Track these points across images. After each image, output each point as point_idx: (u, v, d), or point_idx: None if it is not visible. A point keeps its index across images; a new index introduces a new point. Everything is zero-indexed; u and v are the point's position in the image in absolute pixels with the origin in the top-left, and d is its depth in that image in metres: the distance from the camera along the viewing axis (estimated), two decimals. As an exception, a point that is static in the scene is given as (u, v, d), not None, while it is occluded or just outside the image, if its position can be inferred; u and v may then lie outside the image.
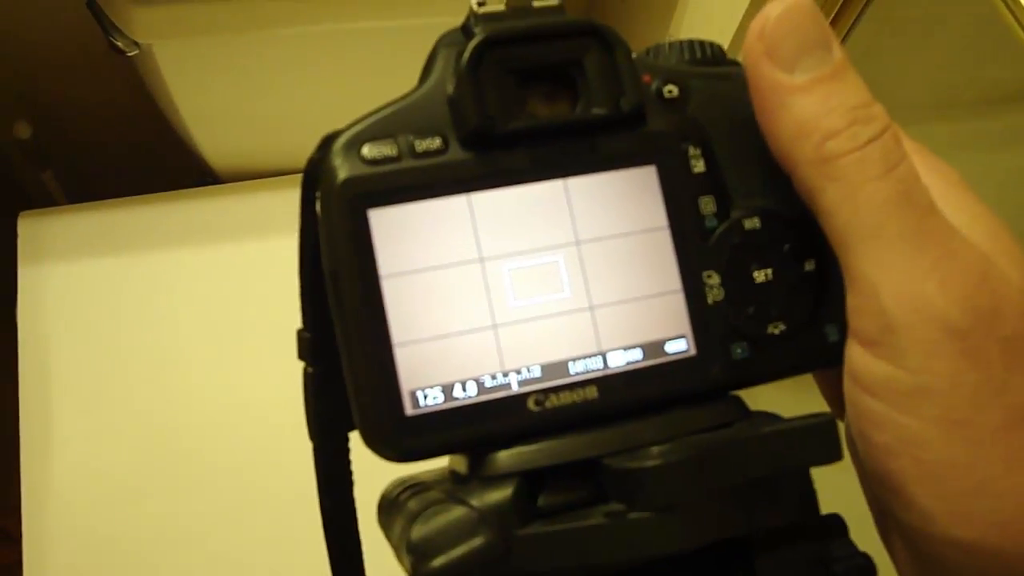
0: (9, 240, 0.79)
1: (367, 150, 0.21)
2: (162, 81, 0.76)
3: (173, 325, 0.79)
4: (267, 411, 0.76)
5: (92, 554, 0.71)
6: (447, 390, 0.20)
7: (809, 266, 0.23)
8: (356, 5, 0.70)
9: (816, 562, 0.22)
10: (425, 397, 0.20)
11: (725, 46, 0.24)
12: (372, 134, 0.21)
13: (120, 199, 0.83)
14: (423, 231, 0.21)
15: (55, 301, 0.78)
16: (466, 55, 0.21)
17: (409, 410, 0.20)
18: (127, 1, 0.65)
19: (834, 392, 0.26)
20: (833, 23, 0.76)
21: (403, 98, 0.22)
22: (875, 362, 0.20)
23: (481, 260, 0.21)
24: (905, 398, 0.19)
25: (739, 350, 0.22)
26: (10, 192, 0.97)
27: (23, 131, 0.84)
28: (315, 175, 0.21)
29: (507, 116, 0.21)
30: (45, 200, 0.92)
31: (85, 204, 0.83)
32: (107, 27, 0.69)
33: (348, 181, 0.20)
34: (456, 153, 0.21)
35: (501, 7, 0.22)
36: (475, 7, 0.21)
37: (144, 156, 0.95)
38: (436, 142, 0.21)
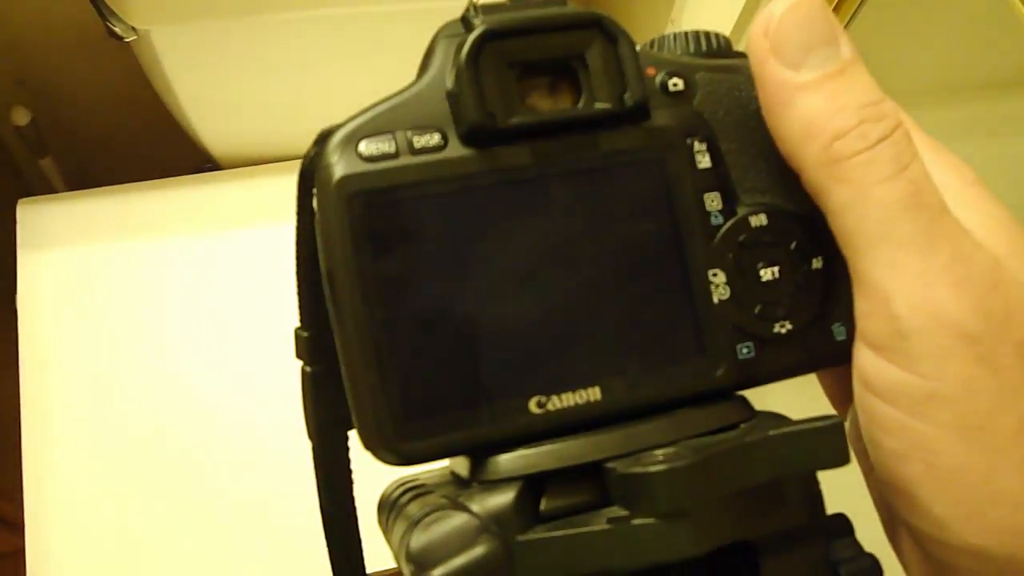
0: (8, 227, 0.79)
1: (364, 147, 0.20)
2: (160, 67, 0.75)
3: (173, 312, 0.79)
4: (267, 399, 0.76)
5: (94, 541, 0.71)
6: (447, 392, 0.20)
7: (816, 264, 0.22)
8: (356, -10, 0.70)
9: (822, 563, 0.22)
10: (424, 401, 0.20)
11: (727, 35, 0.23)
12: (369, 130, 0.20)
13: (119, 186, 0.83)
14: (422, 229, 0.20)
15: (55, 288, 0.78)
16: (466, 48, 0.20)
17: (407, 413, 0.20)
18: (124, -14, 0.65)
19: (837, 390, 0.25)
20: (836, 8, 0.75)
21: (401, 92, 0.21)
22: (887, 367, 0.20)
23: (480, 260, 0.21)
24: (918, 404, 0.19)
25: (745, 350, 0.22)
26: (9, 179, 0.97)
27: (21, 118, 0.83)
28: (311, 172, 0.21)
29: (508, 111, 0.21)
30: (44, 187, 0.91)
31: (84, 191, 0.82)
32: (105, 13, 0.68)
33: (345, 179, 0.20)
34: (456, 149, 0.20)
35: None
36: None
37: (143, 142, 0.94)
38: (435, 138, 0.20)
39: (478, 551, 0.18)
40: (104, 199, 0.82)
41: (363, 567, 0.27)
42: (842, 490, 0.25)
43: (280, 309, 0.79)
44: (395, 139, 0.20)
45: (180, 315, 0.79)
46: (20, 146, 0.88)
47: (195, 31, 0.72)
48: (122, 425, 0.75)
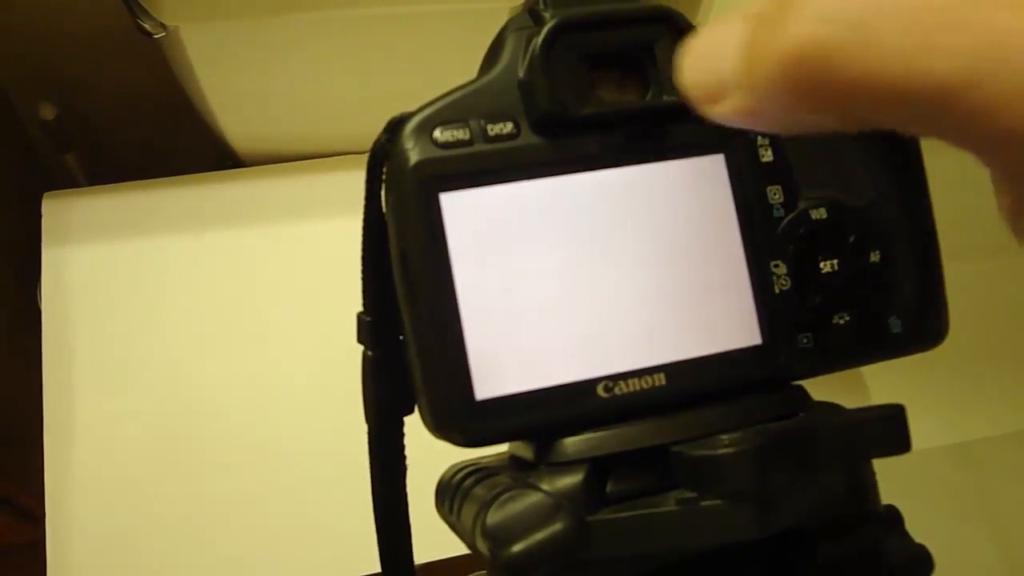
0: (33, 220, 0.80)
1: (439, 133, 0.21)
2: (188, 64, 0.75)
3: (195, 307, 0.79)
4: (290, 393, 0.76)
5: (115, 534, 0.71)
6: (517, 375, 0.20)
7: (875, 257, 0.23)
8: (385, -10, 0.70)
9: (875, 551, 0.22)
10: (495, 382, 0.20)
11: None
12: (444, 117, 0.21)
13: (143, 181, 0.83)
14: (493, 215, 0.21)
15: (79, 282, 0.78)
16: (539, 40, 0.21)
17: (479, 395, 0.20)
18: (156, -17, 0.65)
19: None
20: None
21: (472, 82, 0.22)
22: None
23: (548, 246, 0.21)
24: None
25: (804, 340, 0.22)
26: (34, 173, 0.97)
27: (48, 112, 0.84)
28: (383, 157, 0.21)
29: (578, 102, 0.21)
30: (68, 182, 0.92)
31: (109, 186, 0.83)
32: (135, 8, 0.69)
33: (420, 164, 0.20)
34: (528, 138, 0.21)
35: None
36: None
37: (167, 139, 0.95)
38: (508, 126, 0.21)
39: (557, 527, 0.18)
40: (128, 194, 0.83)
41: (411, 554, 0.27)
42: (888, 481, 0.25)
43: (302, 305, 0.80)
44: (469, 127, 0.21)
45: (202, 310, 0.79)
46: (46, 141, 0.88)
47: (224, 29, 0.73)
48: (143, 418, 0.75)
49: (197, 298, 0.79)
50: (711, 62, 0.16)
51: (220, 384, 0.77)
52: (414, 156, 0.20)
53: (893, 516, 0.24)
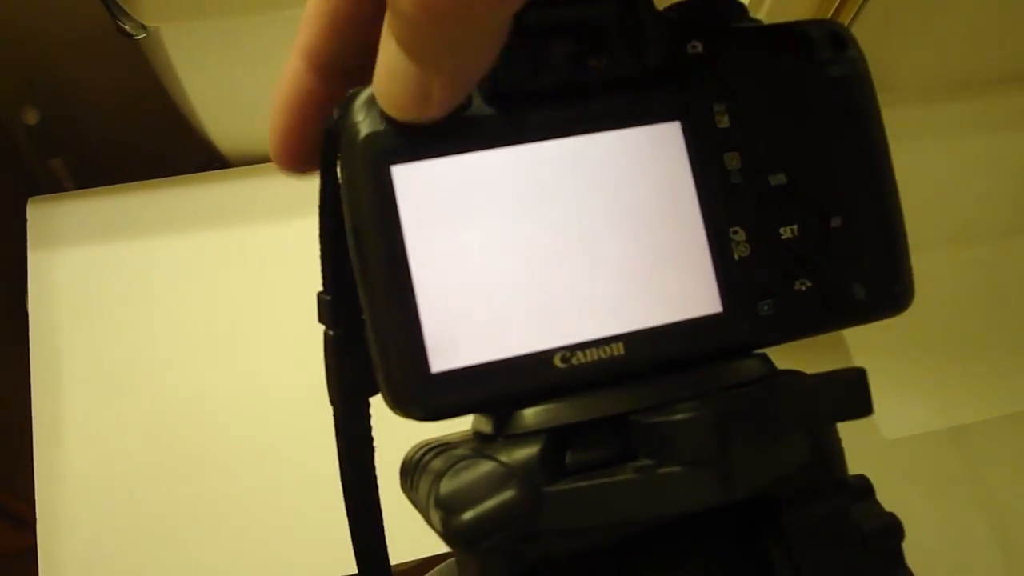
0: (18, 225, 0.79)
1: None
2: (169, 64, 0.75)
3: (183, 309, 0.79)
4: (278, 394, 0.76)
5: (106, 538, 0.71)
6: (473, 347, 0.20)
7: (836, 222, 0.23)
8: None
9: (843, 520, 0.22)
10: (450, 354, 0.20)
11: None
12: None
13: (129, 184, 0.83)
14: (446, 187, 0.21)
15: (65, 286, 0.78)
16: None
17: (435, 368, 0.20)
18: (134, -17, 0.65)
19: None
20: (842, 3, 0.75)
21: None
22: None
23: (503, 217, 0.21)
24: None
25: (766, 307, 0.22)
26: (19, 178, 0.97)
27: (31, 117, 0.84)
28: (336, 133, 0.21)
29: (531, 73, 0.21)
30: (54, 186, 0.92)
31: (94, 189, 0.83)
32: (114, 10, 0.69)
33: (370, 136, 0.20)
34: (480, 108, 0.21)
35: None
36: None
37: (153, 141, 0.94)
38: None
39: (507, 494, 0.18)
40: (114, 197, 0.82)
41: (383, 536, 0.27)
42: (861, 456, 0.25)
43: (288, 306, 0.80)
44: None
45: (190, 313, 0.79)
46: (30, 145, 0.88)
47: (205, 28, 0.73)
48: (133, 423, 0.75)
49: (185, 300, 0.79)
50: (395, 85, 0.19)
51: (209, 386, 0.77)
52: (364, 128, 0.20)
53: (863, 485, 0.23)
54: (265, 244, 0.82)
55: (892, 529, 0.23)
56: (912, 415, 0.87)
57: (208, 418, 0.76)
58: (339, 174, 0.21)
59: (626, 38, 0.21)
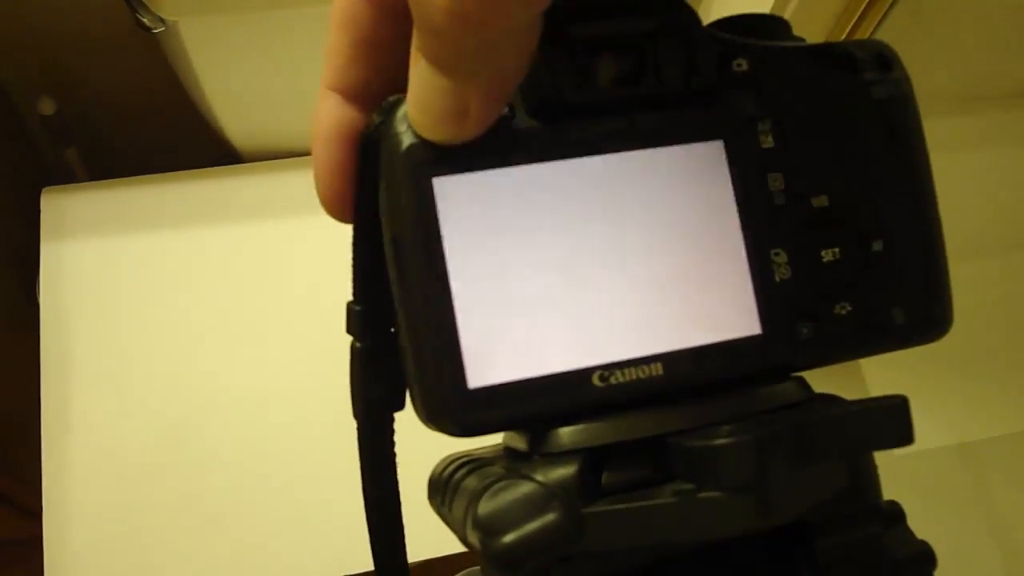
0: (32, 215, 0.79)
1: None
2: (187, 59, 0.75)
3: (194, 303, 0.79)
4: (289, 389, 0.76)
5: (113, 529, 0.71)
6: (510, 364, 0.20)
7: (877, 246, 0.22)
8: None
9: (877, 547, 0.22)
10: (488, 370, 0.20)
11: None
12: None
13: (143, 176, 0.83)
14: (487, 200, 0.20)
15: (76, 277, 0.78)
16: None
17: (472, 383, 0.20)
18: (155, -24, 0.65)
19: None
20: (863, 13, 0.75)
21: None
22: None
23: (543, 232, 0.21)
24: None
25: (805, 330, 0.22)
26: (33, 167, 0.97)
27: (47, 107, 0.84)
28: (375, 141, 0.21)
29: (576, 87, 0.21)
30: (67, 176, 0.92)
31: (108, 181, 0.83)
32: (134, 3, 0.69)
33: (413, 147, 0.20)
34: (523, 121, 0.21)
35: None
36: None
37: (167, 134, 0.94)
38: (503, 110, 0.20)
39: (550, 517, 0.18)
40: (127, 190, 0.82)
41: (405, 550, 0.26)
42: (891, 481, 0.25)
43: (301, 301, 0.80)
44: None
45: (201, 306, 0.79)
46: (45, 135, 0.88)
47: (223, 23, 0.73)
48: (142, 415, 0.75)
49: (196, 294, 0.79)
50: (431, 104, 0.19)
51: (219, 380, 0.77)
52: (407, 139, 0.20)
53: (895, 511, 0.23)
54: (276, 241, 0.82)
55: (924, 557, 0.22)
56: (920, 431, 0.87)
57: (217, 411, 0.75)
58: (377, 182, 0.21)
59: (672, 54, 0.21)
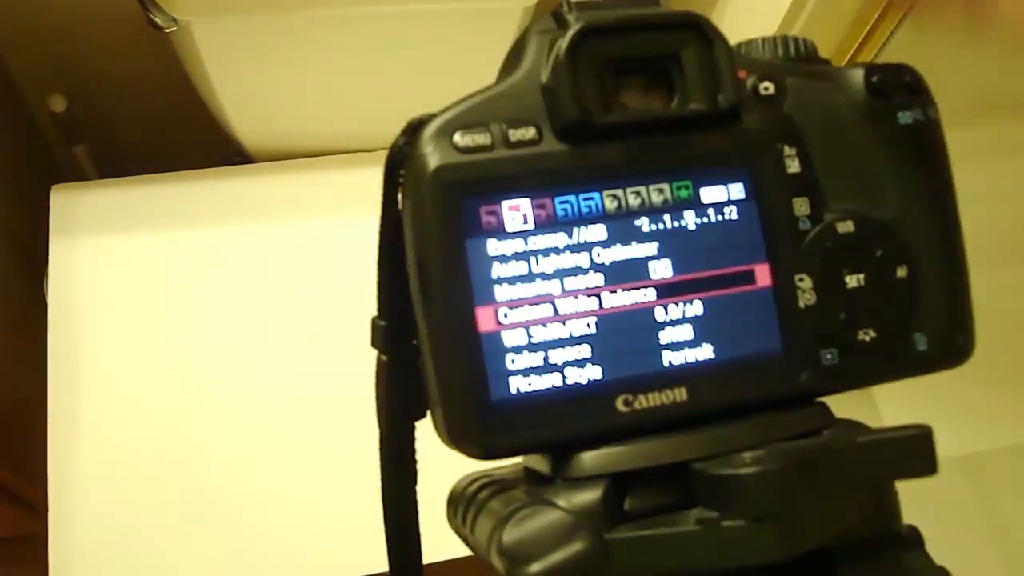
0: (41, 212, 0.79)
1: (459, 138, 0.20)
2: (198, 58, 0.75)
3: (202, 302, 0.79)
4: (296, 388, 0.76)
5: (118, 525, 0.71)
6: (534, 387, 0.20)
7: (901, 272, 0.22)
8: (397, -12, 0.70)
9: (897, 573, 0.22)
10: (512, 393, 0.20)
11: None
12: (464, 121, 0.20)
13: (152, 175, 0.83)
14: (514, 221, 0.20)
15: (85, 274, 0.78)
16: (564, 43, 0.20)
17: (495, 406, 0.20)
18: (169, -24, 0.65)
19: None
20: (875, 25, 0.75)
21: (493, 86, 0.21)
22: None
23: (572, 254, 0.21)
24: None
25: (828, 356, 0.22)
26: (43, 165, 0.97)
27: (58, 104, 0.84)
28: (401, 160, 0.21)
29: (603, 108, 0.21)
30: (77, 174, 0.92)
31: (117, 179, 0.83)
32: (146, 3, 0.69)
33: (441, 169, 0.20)
34: (550, 144, 0.21)
35: None
36: None
37: (177, 133, 0.94)
38: (530, 132, 0.20)
39: (576, 547, 0.18)
40: (136, 188, 0.82)
41: (421, 558, 0.26)
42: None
43: (309, 301, 0.80)
44: (491, 132, 0.20)
45: (208, 305, 0.79)
46: (55, 132, 0.88)
47: (235, 24, 0.73)
48: (148, 412, 0.75)
49: (203, 293, 0.79)
50: None
51: (225, 378, 0.77)
52: (433, 161, 0.20)
53: (914, 536, 0.23)
54: (285, 241, 0.82)
55: None
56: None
57: (224, 408, 0.75)
58: (401, 202, 0.21)
59: (700, 77, 0.21)
